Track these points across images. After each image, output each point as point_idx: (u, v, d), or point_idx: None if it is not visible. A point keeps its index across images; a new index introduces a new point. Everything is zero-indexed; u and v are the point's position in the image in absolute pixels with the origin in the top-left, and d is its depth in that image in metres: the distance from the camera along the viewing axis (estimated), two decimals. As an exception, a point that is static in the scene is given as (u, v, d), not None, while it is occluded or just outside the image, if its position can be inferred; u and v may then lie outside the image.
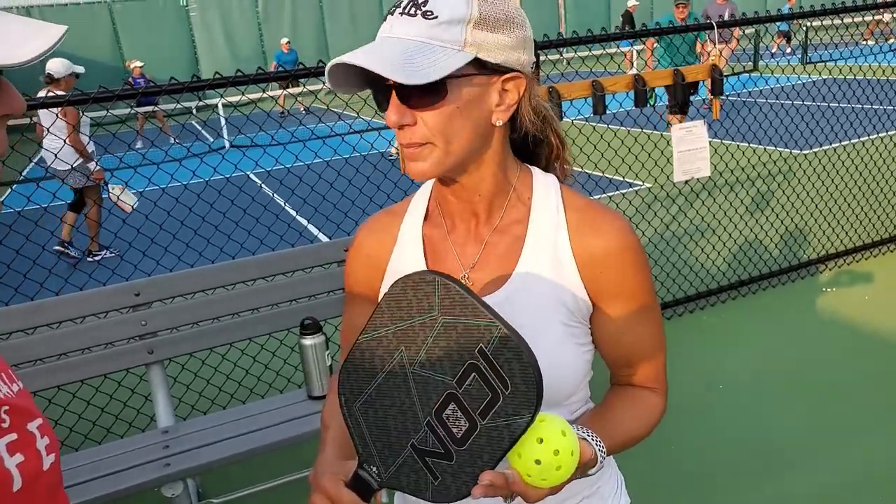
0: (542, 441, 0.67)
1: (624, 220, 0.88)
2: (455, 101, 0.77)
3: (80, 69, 5.20)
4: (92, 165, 5.13)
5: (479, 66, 0.77)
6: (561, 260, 0.86)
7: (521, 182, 0.89)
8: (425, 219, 0.93)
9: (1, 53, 0.53)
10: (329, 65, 0.76)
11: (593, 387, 0.95)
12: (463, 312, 0.67)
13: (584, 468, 0.75)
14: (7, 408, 0.62)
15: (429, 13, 0.75)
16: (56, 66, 5.05)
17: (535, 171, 0.91)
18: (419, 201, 0.95)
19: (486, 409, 0.66)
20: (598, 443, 0.79)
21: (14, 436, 0.61)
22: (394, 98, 0.77)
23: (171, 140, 10.83)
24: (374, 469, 0.73)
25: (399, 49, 0.74)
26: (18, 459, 0.60)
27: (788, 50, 16.52)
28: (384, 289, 0.95)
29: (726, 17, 7.55)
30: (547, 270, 0.86)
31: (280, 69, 11.47)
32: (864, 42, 15.75)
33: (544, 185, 0.89)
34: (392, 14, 0.77)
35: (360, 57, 0.74)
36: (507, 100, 0.81)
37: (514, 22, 0.79)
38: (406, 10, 0.76)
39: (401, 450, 0.71)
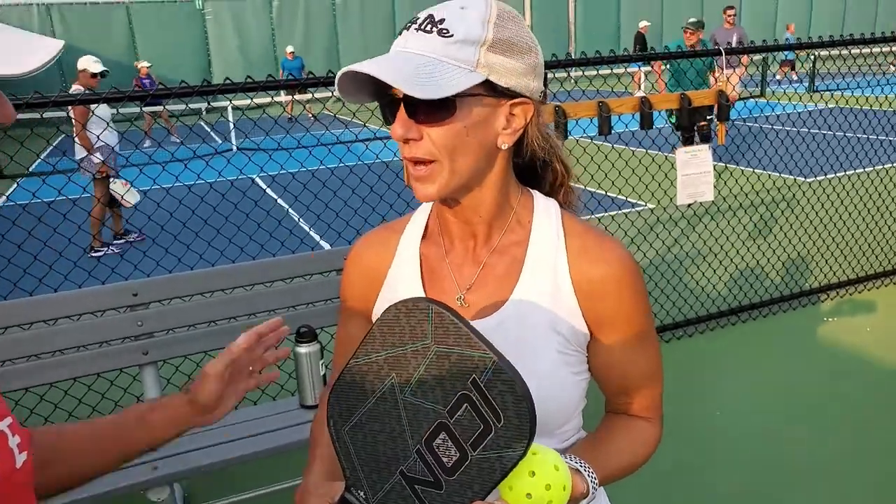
0: (533, 474, 0.67)
1: (624, 248, 0.87)
2: (462, 119, 0.77)
3: (97, 68, 5.30)
4: (95, 158, 5.17)
5: (489, 89, 0.78)
6: (559, 286, 0.85)
7: (522, 205, 0.89)
8: (424, 237, 0.93)
9: None
10: (340, 73, 0.76)
11: (586, 416, 0.94)
12: (457, 342, 0.66)
13: (575, 500, 0.75)
14: None
15: (444, 31, 0.75)
16: (79, 62, 5.31)
17: (537, 195, 0.91)
18: (419, 218, 0.95)
19: (477, 441, 0.65)
20: (591, 473, 0.78)
21: None
22: (401, 111, 0.77)
23: (174, 139, 10.87)
24: (362, 493, 0.72)
25: (412, 63, 0.74)
26: None
27: (795, 77, 16.54)
28: (378, 306, 0.94)
29: (734, 43, 7.53)
30: (544, 296, 0.85)
31: (289, 76, 11.56)
32: (893, 72, 15.70)
33: (545, 209, 0.89)
34: (408, 29, 0.78)
35: (372, 66, 0.74)
36: (513, 124, 0.81)
37: (527, 48, 0.80)
38: (422, 27, 0.76)
39: (389, 476, 0.70)
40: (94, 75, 5.26)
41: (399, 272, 0.92)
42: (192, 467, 1.98)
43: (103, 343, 2.15)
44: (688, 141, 5.75)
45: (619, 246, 0.87)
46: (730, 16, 8.34)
